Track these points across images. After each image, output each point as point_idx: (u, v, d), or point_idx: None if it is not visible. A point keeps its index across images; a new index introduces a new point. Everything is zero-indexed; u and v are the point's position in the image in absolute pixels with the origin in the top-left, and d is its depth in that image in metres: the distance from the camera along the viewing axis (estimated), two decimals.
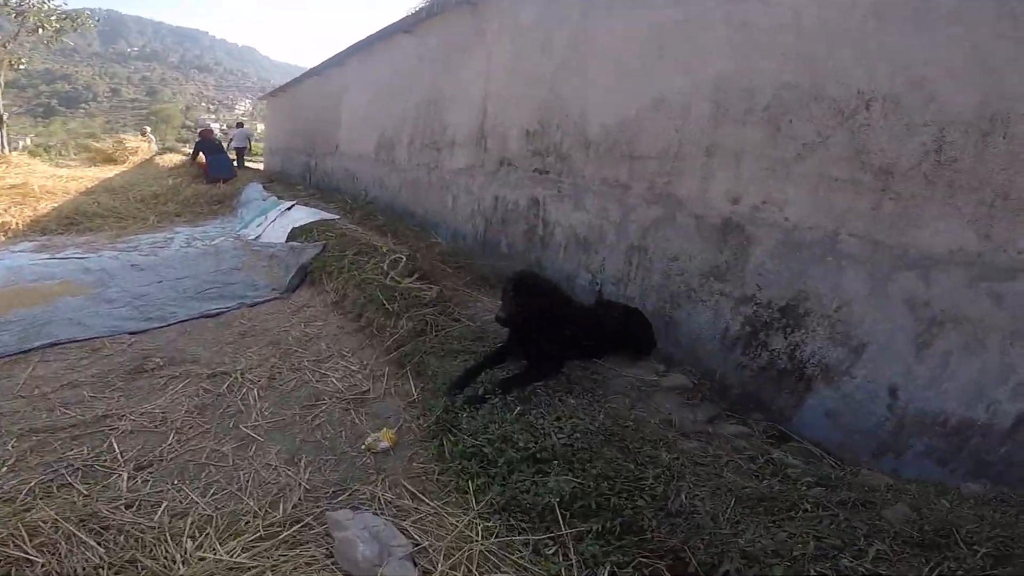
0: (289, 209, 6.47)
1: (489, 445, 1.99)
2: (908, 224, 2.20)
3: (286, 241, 5.29)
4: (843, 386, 2.42)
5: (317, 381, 2.95)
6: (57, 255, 5.49)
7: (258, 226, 6.46)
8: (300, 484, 2.05)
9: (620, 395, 2.34)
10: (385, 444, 2.28)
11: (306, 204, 6.87)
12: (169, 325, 3.65)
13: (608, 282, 3.45)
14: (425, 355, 2.80)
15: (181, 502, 1.93)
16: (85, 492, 1.92)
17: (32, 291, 4.16)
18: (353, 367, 3.11)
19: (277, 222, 6.12)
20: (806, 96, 2.47)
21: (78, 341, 3.27)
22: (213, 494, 1.98)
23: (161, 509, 1.87)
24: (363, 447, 2.30)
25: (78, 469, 2.07)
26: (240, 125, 17.99)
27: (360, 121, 8.53)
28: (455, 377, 2.44)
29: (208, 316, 3.86)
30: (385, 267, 3.72)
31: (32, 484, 1.94)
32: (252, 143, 17.42)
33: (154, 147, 15.63)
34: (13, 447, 2.18)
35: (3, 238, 6.48)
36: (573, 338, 2.35)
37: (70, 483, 1.98)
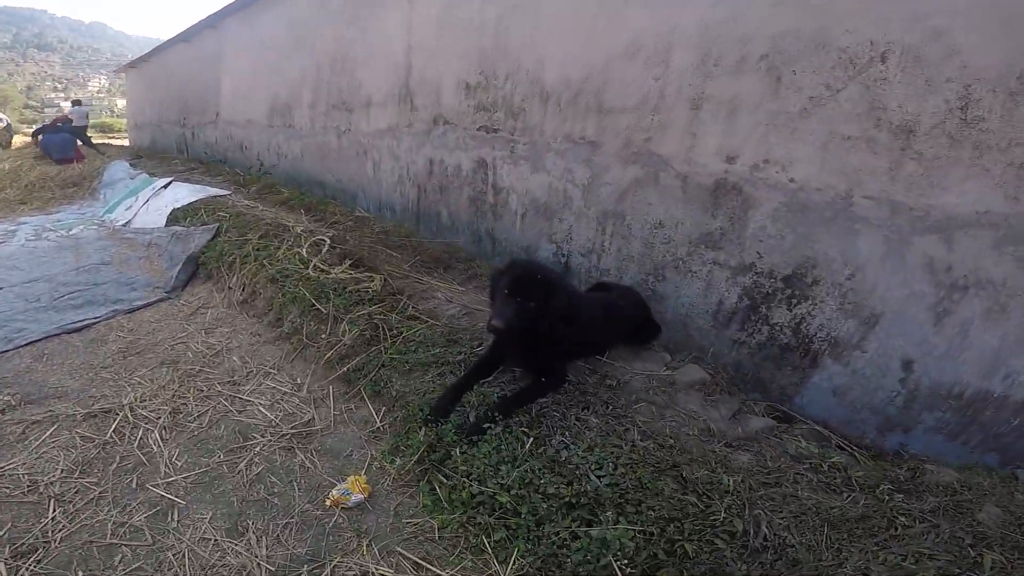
0: (166, 187, 5.30)
1: (505, 492, 1.54)
2: (931, 185, 1.99)
3: (166, 225, 4.27)
4: (853, 361, 2.23)
5: (240, 412, 2.29)
6: None
7: (127, 209, 5.25)
8: (260, 564, 1.51)
9: (644, 402, 1.96)
10: (358, 496, 1.75)
11: (187, 180, 5.69)
12: (17, 348, 2.73)
13: (576, 253, 3.04)
14: (382, 369, 2.22)
15: None
16: None
17: None
18: (284, 388, 2.46)
19: (152, 203, 4.97)
20: (810, 45, 2.15)
21: None
22: None
23: None
24: (328, 502, 1.75)
25: None
26: (77, 103, 15.63)
27: (245, 86, 7.38)
28: (434, 400, 1.93)
29: (72, 331, 2.95)
30: (304, 253, 3.00)
31: None
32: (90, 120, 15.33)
33: (11, 130, 13.65)
34: None
35: None
36: (581, 336, 1.89)
37: None
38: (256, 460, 1.97)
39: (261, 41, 6.84)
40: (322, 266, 2.86)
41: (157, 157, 9.33)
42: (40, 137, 9.48)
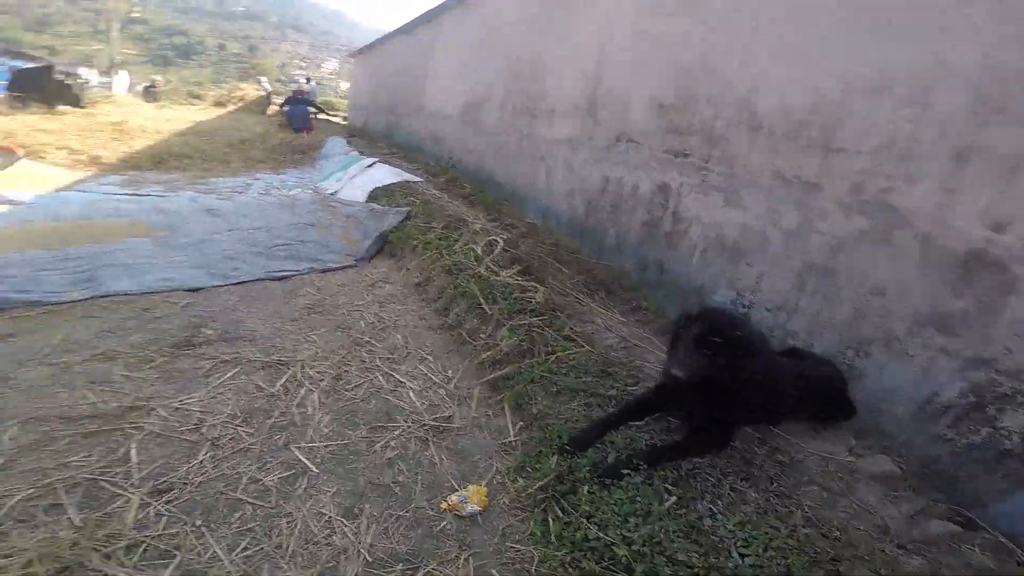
0: (370, 167, 6.00)
1: (625, 545, 1.40)
2: None
3: (366, 201, 4.81)
4: None
5: (391, 391, 2.40)
6: (137, 192, 5.28)
7: (337, 181, 6.05)
8: (360, 552, 1.55)
9: (816, 486, 1.67)
10: (474, 508, 1.74)
11: (388, 162, 6.38)
12: (231, 285, 3.24)
13: (761, 306, 2.71)
14: (531, 385, 2.19)
15: (199, 556, 1.46)
16: (78, 524, 1.49)
17: (100, 228, 3.89)
18: (435, 377, 2.55)
19: (357, 179, 5.66)
20: None
21: (129, 295, 2.91)
22: (243, 550, 1.51)
23: (170, 568, 1.40)
24: (444, 506, 1.76)
25: (78, 485, 1.64)
26: (308, 81, 18.87)
27: (448, 81, 8.01)
28: (576, 430, 1.84)
29: (275, 278, 3.43)
30: (479, 251, 3.13)
31: (15, 501, 1.53)
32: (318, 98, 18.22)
33: (271, 99, 16.87)
34: (10, 439, 1.79)
35: (96, 171, 6.44)
36: (763, 403, 1.66)
37: (63, 505, 1.55)
38: (392, 444, 2.04)
39: (466, 39, 7.36)
40: (492, 266, 2.95)
41: (368, 138, 10.67)
42: (286, 108, 11.54)
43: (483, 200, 4.95)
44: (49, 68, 11.33)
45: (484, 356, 2.48)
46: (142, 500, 1.61)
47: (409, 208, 4.20)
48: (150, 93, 16.62)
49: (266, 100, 17.49)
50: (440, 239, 3.44)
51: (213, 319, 2.81)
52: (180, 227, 4.08)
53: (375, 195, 4.88)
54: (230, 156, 7.84)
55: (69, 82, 11.04)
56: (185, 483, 1.72)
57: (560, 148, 4.70)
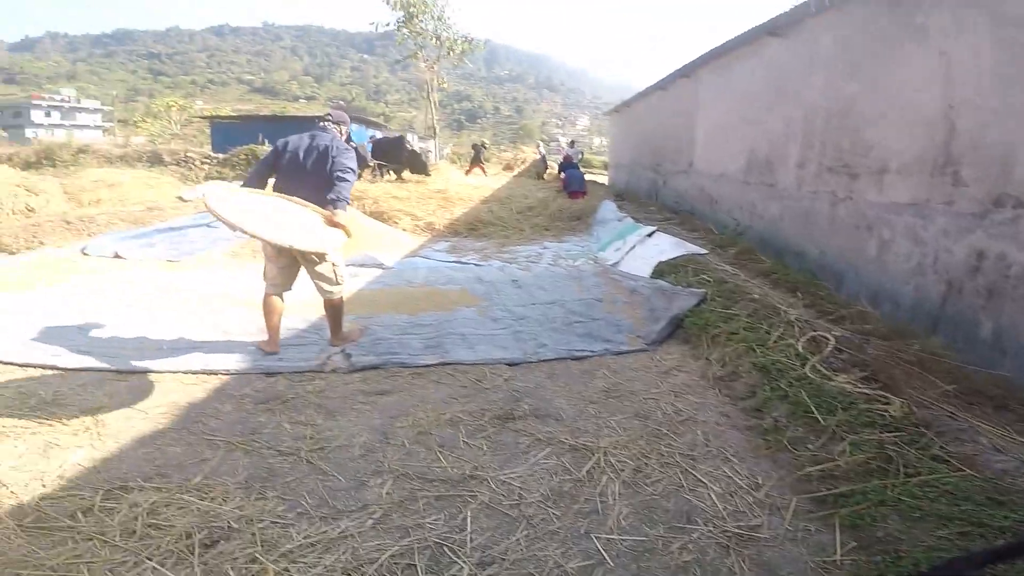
0: (650, 236, 6.05)
1: None
2: None
3: (651, 277, 4.82)
4: None
5: (691, 490, 2.22)
6: (461, 259, 6.51)
7: (615, 251, 6.29)
8: None
9: None
10: None
11: (666, 230, 6.36)
12: (540, 362, 3.54)
13: None
14: (880, 506, 1.80)
15: None
16: None
17: (441, 295, 4.85)
18: (740, 481, 2.25)
19: (637, 250, 5.77)
20: None
21: (465, 364, 3.43)
22: None
23: None
24: None
25: (427, 547, 1.86)
26: (572, 144, 20.49)
27: (719, 137, 7.64)
28: (942, 560, 1.52)
29: (574, 358, 3.64)
30: (799, 348, 2.71)
31: (385, 556, 1.79)
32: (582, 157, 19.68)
33: (546, 161, 19.24)
34: (387, 493, 2.15)
35: (430, 236, 8.30)
36: None
37: (414, 566, 1.77)
38: (690, 547, 1.87)
39: (737, 91, 6.90)
40: (823, 368, 2.51)
41: (634, 200, 10.99)
42: (563, 173, 12.70)
43: (787, 278, 4.39)
44: (401, 139, 13.69)
45: (811, 469, 2.09)
46: (470, 571, 1.77)
47: (705, 291, 4.00)
48: (478, 153, 19.91)
49: (542, 163, 19.56)
50: (747, 329, 3.12)
51: (527, 395, 3.08)
52: (495, 297, 4.77)
53: (660, 270, 4.85)
54: (521, 223, 9.05)
55: (419, 151, 13.92)
56: (503, 558, 1.84)
57: (898, 215, 3.87)
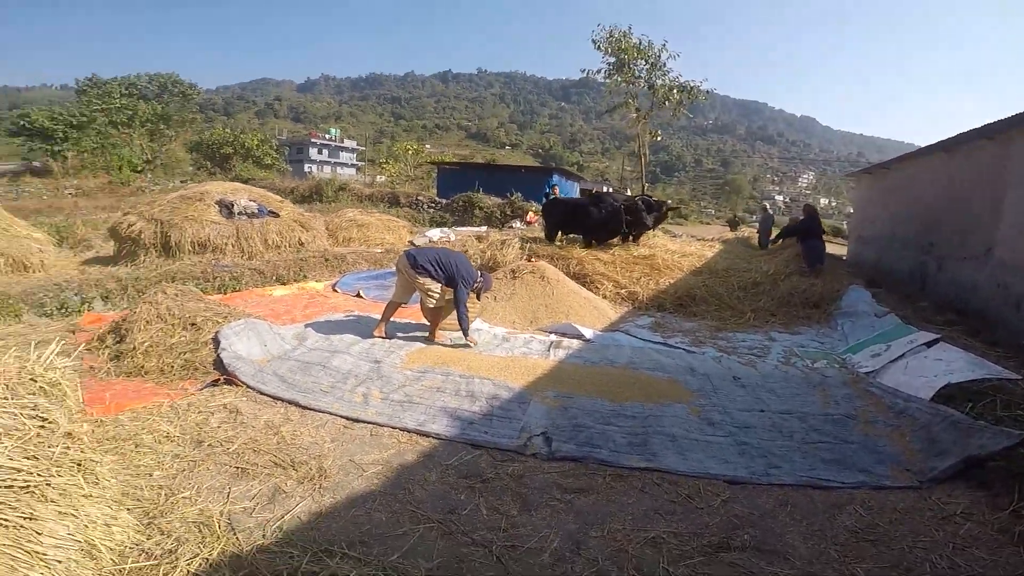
0: (929, 346, 4.89)
1: None
2: None
3: (932, 400, 3.86)
4: None
5: None
6: (668, 340, 6.14)
7: (873, 357, 5.23)
8: None
9: None
10: None
11: (951, 340, 5.08)
12: (771, 485, 3.06)
13: None
14: None
15: None
16: None
17: (647, 383, 4.54)
18: None
19: (909, 361, 4.70)
20: None
21: (676, 474, 3.13)
22: None
23: None
24: None
25: None
26: (766, 209, 18.66)
27: None
28: None
29: (816, 487, 3.06)
30: None
31: None
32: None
33: (773, 221, 17.48)
34: None
35: (631, 307, 7.97)
36: None
37: None
38: None
39: None
40: None
41: (890, 285, 9.10)
42: (800, 243, 10.11)
43: None
44: (637, 203, 10.96)
45: None
46: None
47: (1022, 433, 3.05)
48: (734, 224, 18.87)
49: (769, 220, 17.09)
50: None
51: (751, 523, 2.71)
52: (712, 395, 4.33)
53: (949, 394, 3.84)
54: (742, 304, 7.93)
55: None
56: None
57: None
